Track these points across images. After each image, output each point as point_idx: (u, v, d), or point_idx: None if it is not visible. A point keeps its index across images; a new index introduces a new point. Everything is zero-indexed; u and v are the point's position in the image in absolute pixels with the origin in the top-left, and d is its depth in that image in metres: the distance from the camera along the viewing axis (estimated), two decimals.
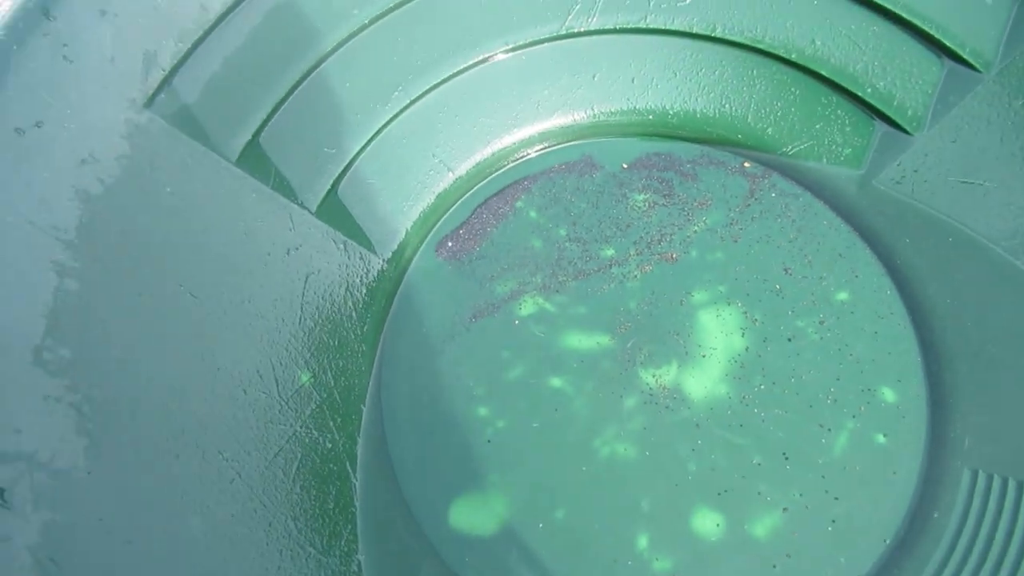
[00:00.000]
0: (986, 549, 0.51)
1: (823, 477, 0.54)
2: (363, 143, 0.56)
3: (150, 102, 0.47)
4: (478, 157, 0.63)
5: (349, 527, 0.50)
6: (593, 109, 0.64)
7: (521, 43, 0.60)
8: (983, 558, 0.51)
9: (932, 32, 0.58)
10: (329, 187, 0.55)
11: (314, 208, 0.54)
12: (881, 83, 0.60)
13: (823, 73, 0.60)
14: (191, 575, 0.42)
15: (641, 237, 0.62)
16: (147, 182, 0.46)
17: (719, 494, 0.54)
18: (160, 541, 0.41)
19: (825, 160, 0.63)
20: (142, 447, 0.43)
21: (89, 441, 0.38)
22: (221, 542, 0.44)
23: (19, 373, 0.38)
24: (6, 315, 0.38)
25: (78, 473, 0.38)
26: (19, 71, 0.41)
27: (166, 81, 0.48)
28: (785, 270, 0.61)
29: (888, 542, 0.53)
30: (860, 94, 0.60)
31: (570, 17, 0.61)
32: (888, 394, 0.57)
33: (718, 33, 0.61)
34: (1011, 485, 0.52)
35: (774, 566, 0.52)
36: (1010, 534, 0.51)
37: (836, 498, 0.54)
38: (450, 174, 0.61)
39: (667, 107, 0.65)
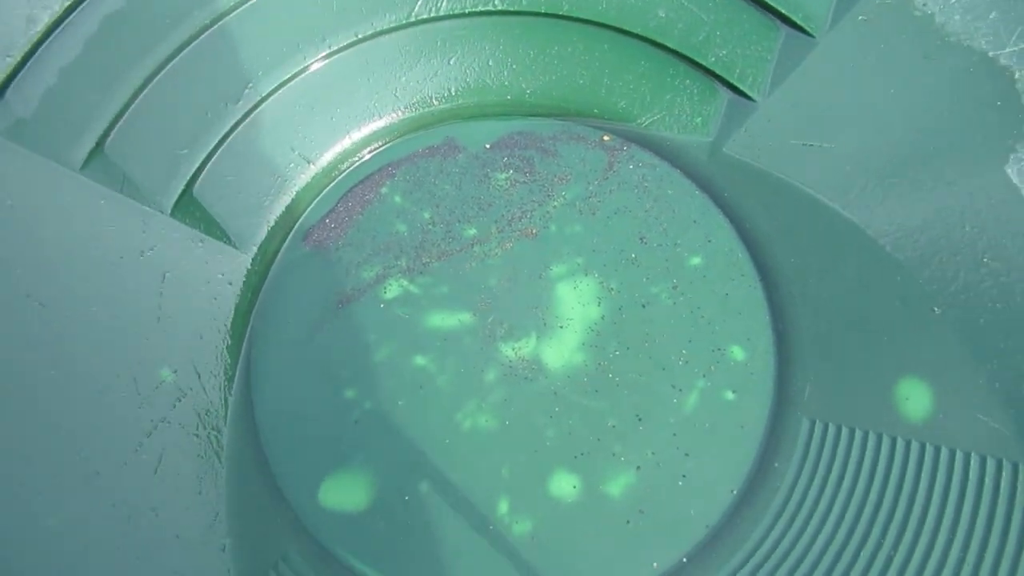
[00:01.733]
0: (819, 494, 0.54)
1: (675, 435, 0.57)
2: (216, 142, 0.58)
3: None
4: (339, 148, 0.64)
5: (216, 514, 0.52)
6: (452, 92, 0.65)
7: (370, 32, 0.61)
8: (816, 502, 0.54)
9: None
10: (183, 187, 0.56)
11: (168, 209, 0.56)
12: (723, 51, 0.61)
13: (668, 45, 0.62)
14: (47, 573, 0.45)
15: (503, 215, 0.64)
16: None
17: (575, 457, 0.57)
18: (11, 543, 0.44)
19: (677, 130, 0.65)
20: None
21: None
22: (78, 539, 0.46)
23: None
24: None
25: None
26: None
27: None
28: (641, 239, 0.63)
29: (735, 492, 0.56)
30: (704, 63, 0.62)
31: (418, 4, 0.62)
32: (737, 352, 0.60)
33: (565, 11, 0.62)
34: (844, 433, 0.56)
35: (628, 522, 0.55)
36: (841, 478, 0.54)
37: (687, 454, 0.57)
38: (311, 166, 0.63)
39: (524, 86, 0.66)
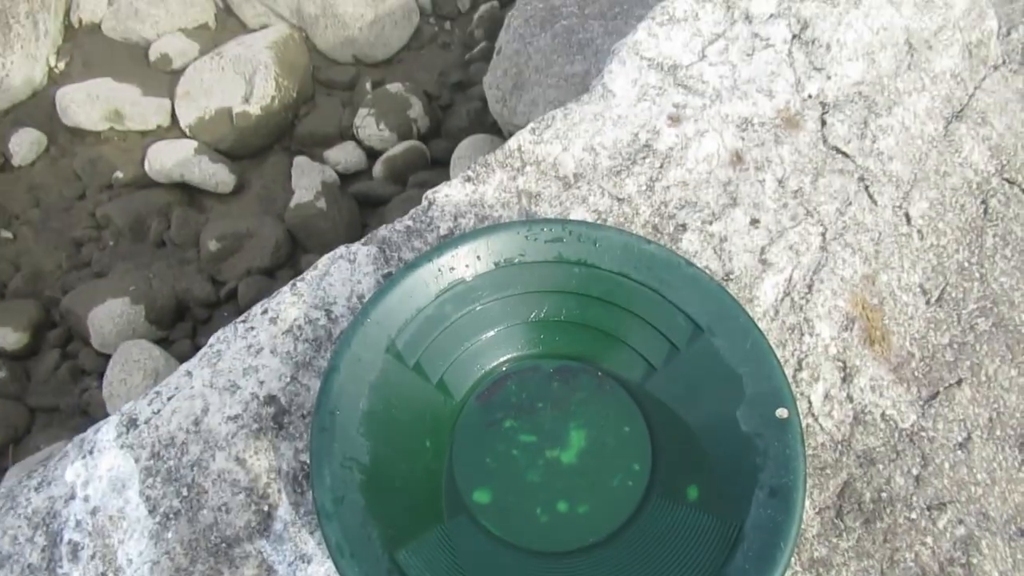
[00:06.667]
0: None
1: None
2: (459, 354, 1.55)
3: None
4: (493, 364, 1.60)
5: None
6: (540, 351, 1.62)
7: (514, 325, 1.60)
8: None
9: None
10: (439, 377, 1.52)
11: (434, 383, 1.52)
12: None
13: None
14: None
15: (553, 400, 1.58)
16: None
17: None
18: None
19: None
20: None
21: None
22: None
23: None
24: None
25: None
26: None
27: None
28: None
29: None
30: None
31: (532, 313, 1.61)
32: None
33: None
34: None
35: None
36: None
37: None
38: (483, 370, 1.59)
39: (568, 349, 1.62)
